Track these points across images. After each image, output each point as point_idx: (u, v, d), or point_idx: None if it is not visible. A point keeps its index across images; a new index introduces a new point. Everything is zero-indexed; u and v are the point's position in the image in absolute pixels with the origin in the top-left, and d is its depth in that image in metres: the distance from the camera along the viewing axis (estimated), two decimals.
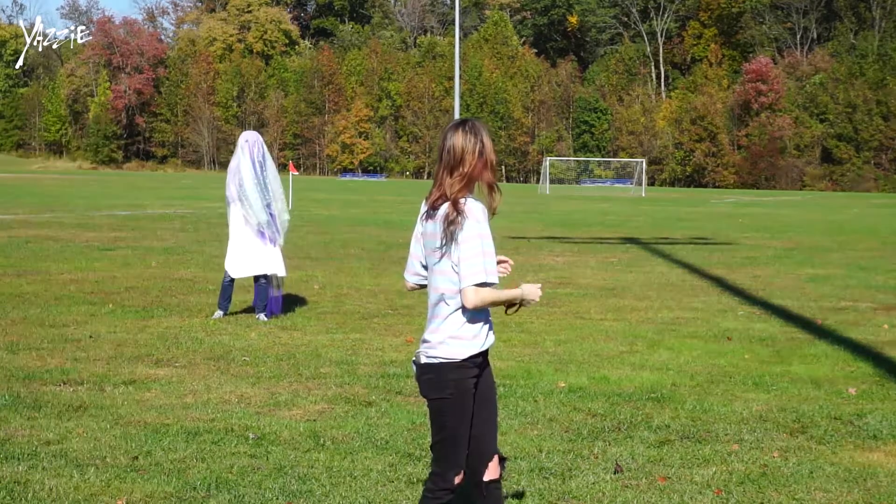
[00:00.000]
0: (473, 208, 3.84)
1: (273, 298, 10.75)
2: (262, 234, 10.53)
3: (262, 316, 10.55)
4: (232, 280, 10.68)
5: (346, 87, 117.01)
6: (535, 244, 21.62)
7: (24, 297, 11.67)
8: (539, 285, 4.03)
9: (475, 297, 3.82)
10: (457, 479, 3.99)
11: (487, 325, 3.98)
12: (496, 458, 4.08)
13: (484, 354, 3.99)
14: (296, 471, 5.44)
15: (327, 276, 14.67)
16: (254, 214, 10.50)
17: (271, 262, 10.61)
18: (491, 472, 4.06)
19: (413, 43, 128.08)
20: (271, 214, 10.59)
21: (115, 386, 7.32)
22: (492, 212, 3.93)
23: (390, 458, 5.70)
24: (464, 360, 3.92)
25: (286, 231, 10.88)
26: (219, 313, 10.62)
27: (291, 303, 11.69)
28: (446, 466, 3.98)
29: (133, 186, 58.07)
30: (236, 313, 10.83)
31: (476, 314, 3.93)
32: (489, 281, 3.84)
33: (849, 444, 6.19)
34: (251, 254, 10.55)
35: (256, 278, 10.69)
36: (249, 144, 10.59)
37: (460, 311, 3.90)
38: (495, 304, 3.90)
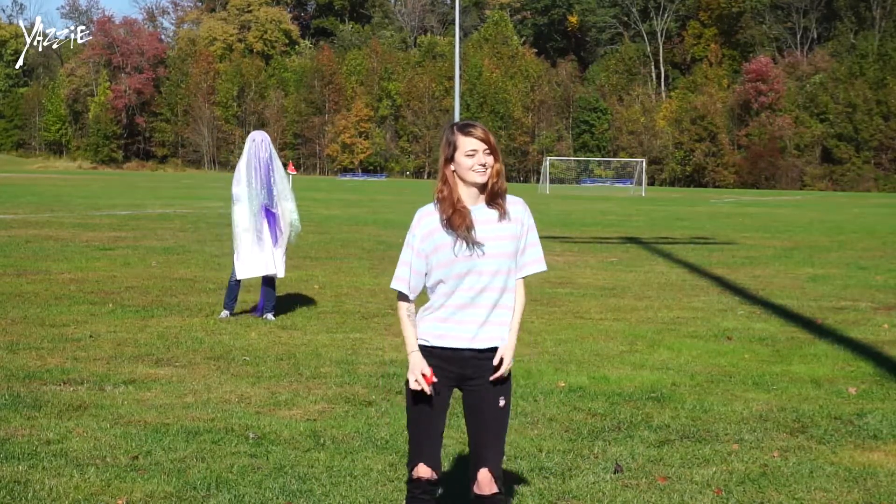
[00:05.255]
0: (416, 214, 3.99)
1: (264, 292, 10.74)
2: (259, 235, 10.52)
3: (269, 316, 10.54)
4: (238, 281, 10.67)
5: (346, 87, 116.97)
6: None
7: (24, 297, 11.67)
8: (417, 372, 3.86)
9: (397, 301, 4.03)
10: (414, 472, 3.89)
11: (440, 322, 3.89)
12: (486, 471, 3.90)
13: (465, 353, 3.88)
14: (296, 470, 5.44)
15: (327, 276, 14.67)
16: (241, 217, 10.50)
17: (271, 262, 10.58)
18: (480, 486, 3.92)
19: (413, 43, 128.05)
20: (273, 214, 10.56)
21: (116, 385, 7.32)
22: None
23: (390, 458, 5.70)
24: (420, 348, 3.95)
25: (297, 232, 10.84)
26: (225, 313, 10.61)
27: (291, 303, 11.70)
28: (409, 456, 3.96)
29: (133, 186, 58.07)
30: (238, 313, 10.83)
31: (426, 304, 3.97)
32: (392, 286, 3.98)
33: (849, 444, 6.19)
34: (255, 254, 10.53)
35: (264, 280, 10.68)
36: (255, 144, 10.57)
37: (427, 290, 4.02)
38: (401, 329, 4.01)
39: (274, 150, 10.71)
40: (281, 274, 10.68)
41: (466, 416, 3.97)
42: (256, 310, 10.79)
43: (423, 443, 3.90)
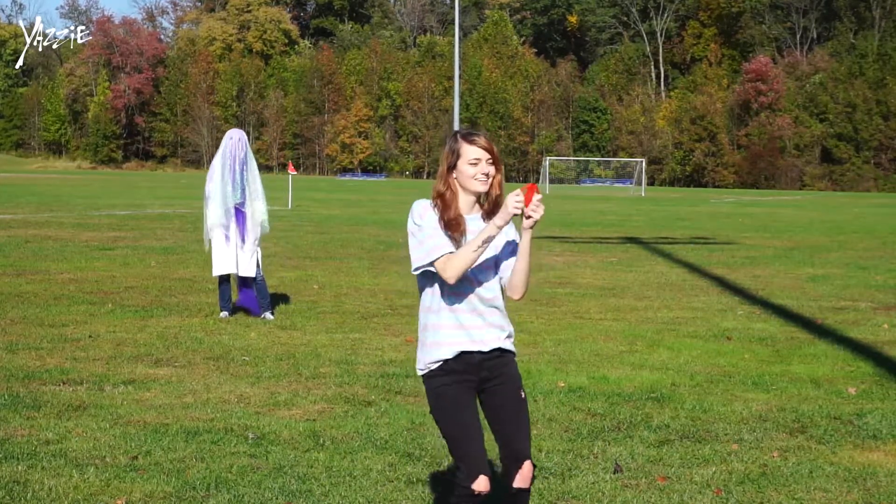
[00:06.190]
0: (413, 206, 3.92)
1: (243, 295, 10.68)
2: (227, 234, 10.49)
3: (268, 315, 10.52)
4: (224, 279, 10.63)
5: (346, 87, 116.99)
6: (535, 244, 21.60)
7: (24, 297, 11.67)
8: (515, 192, 3.68)
9: (447, 271, 3.77)
10: (474, 485, 3.83)
11: (456, 331, 3.88)
12: (529, 463, 3.92)
13: (476, 357, 3.90)
14: (295, 471, 5.44)
15: (327, 276, 14.67)
16: (211, 214, 10.49)
17: (239, 261, 10.52)
18: (525, 479, 3.92)
19: (413, 42, 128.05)
20: (242, 214, 10.52)
21: (115, 385, 7.32)
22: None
23: (390, 458, 5.70)
24: (431, 370, 3.90)
25: (265, 233, 10.77)
26: (224, 314, 10.58)
27: (291, 303, 11.70)
28: (460, 472, 3.90)
29: (132, 186, 58.07)
30: (237, 313, 10.81)
31: (432, 317, 3.90)
32: (427, 260, 3.78)
33: (848, 444, 6.19)
34: (225, 252, 10.50)
35: (240, 281, 10.61)
36: (233, 142, 10.53)
37: (421, 313, 3.96)
38: (473, 256, 3.75)
39: (250, 150, 10.70)
40: (251, 273, 10.54)
41: (491, 419, 3.97)
42: (238, 306, 10.71)
43: (475, 456, 3.85)
